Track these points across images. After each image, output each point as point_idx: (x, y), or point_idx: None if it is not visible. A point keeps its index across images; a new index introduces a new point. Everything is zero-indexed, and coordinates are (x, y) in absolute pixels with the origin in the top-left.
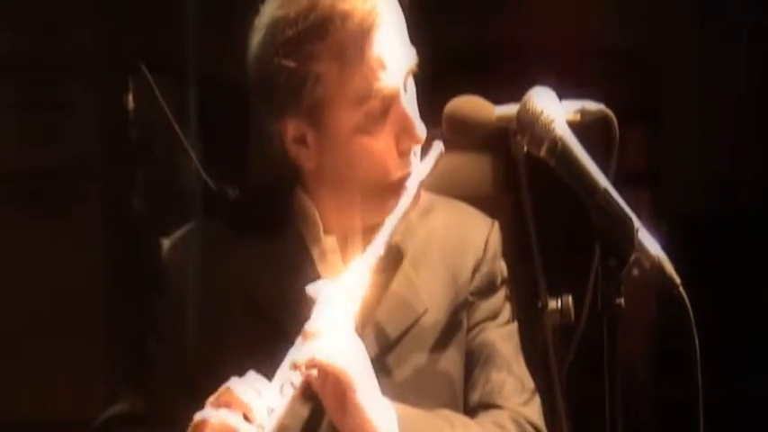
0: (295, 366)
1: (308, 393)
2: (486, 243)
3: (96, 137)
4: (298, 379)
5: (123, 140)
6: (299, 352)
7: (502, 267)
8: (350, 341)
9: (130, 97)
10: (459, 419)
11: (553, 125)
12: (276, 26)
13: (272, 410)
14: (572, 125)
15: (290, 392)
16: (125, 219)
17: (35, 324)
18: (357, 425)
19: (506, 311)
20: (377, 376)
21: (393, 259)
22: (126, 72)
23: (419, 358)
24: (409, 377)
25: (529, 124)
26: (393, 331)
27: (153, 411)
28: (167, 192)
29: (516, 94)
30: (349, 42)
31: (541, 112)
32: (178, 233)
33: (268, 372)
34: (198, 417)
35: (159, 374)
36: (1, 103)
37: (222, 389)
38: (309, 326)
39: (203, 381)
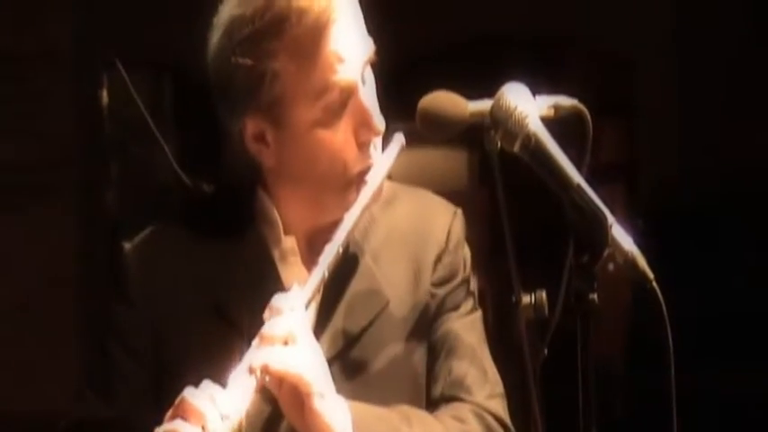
0: (250, 371)
1: (269, 395)
2: (449, 233)
3: (71, 132)
4: (253, 384)
5: (97, 136)
6: (255, 357)
7: (465, 256)
8: (306, 346)
9: (105, 93)
10: (418, 415)
11: (527, 121)
12: (233, 25)
13: (227, 417)
14: (545, 121)
15: (246, 398)
16: (98, 214)
17: (4, 317)
18: (315, 429)
19: (470, 301)
20: (340, 372)
21: (352, 256)
22: (100, 67)
23: (382, 351)
24: (373, 372)
25: (502, 120)
26: (356, 325)
27: (116, 417)
28: (141, 187)
29: (490, 89)
30: (305, 39)
31: (515, 108)
32: (139, 237)
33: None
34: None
35: (123, 380)
36: None
37: (177, 400)
38: (266, 330)
39: (167, 385)
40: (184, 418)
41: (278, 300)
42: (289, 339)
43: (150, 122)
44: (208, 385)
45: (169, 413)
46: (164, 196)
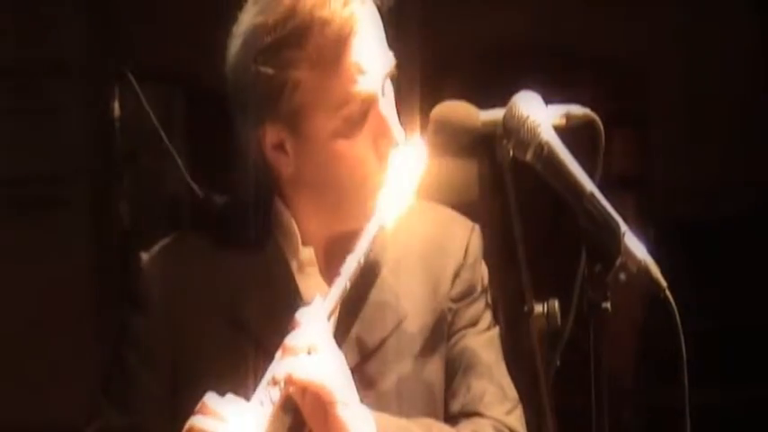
0: (274, 382)
1: (290, 405)
2: (467, 249)
3: (83, 144)
4: (276, 395)
5: (110, 148)
6: (278, 368)
7: (483, 272)
8: (329, 355)
9: (117, 105)
10: (439, 428)
11: (539, 130)
12: (254, 33)
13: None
14: (558, 129)
15: (269, 408)
16: (111, 226)
17: (21, 330)
18: None
19: (487, 317)
20: (357, 384)
21: (371, 268)
22: (112, 80)
23: (400, 365)
24: (390, 384)
25: (514, 129)
26: (373, 339)
27: (134, 428)
28: (154, 199)
29: (502, 98)
30: (327, 49)
31: (527, 117)
32: (157, 247)
33: (247, 386)
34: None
35: (139, 390)
36: None
37: (200, 404)
38: (288, 341)
39: (184, 396)
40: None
41: (301, 314)
42: (311, 349)
43: (162, 134)
44: (231, 398)
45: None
46: (176, 207)
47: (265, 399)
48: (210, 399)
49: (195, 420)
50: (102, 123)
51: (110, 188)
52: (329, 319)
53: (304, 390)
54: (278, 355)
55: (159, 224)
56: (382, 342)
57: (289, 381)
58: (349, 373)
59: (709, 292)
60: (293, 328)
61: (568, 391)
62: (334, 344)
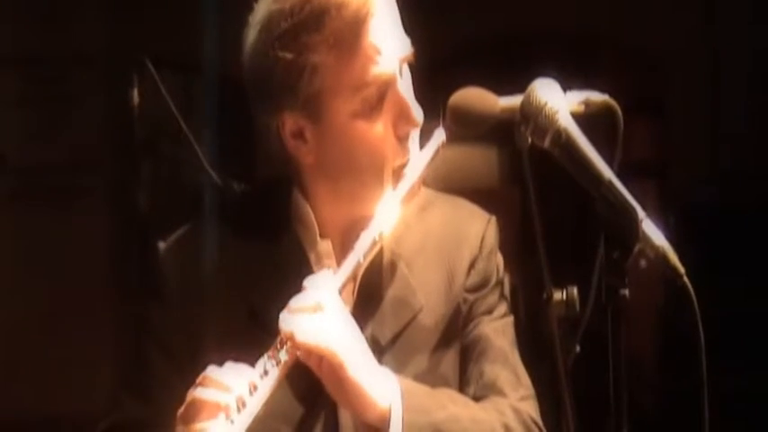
0: (280, 343)
1: (306, 388)
2: (483, 240)
3: (102, 132)
4: (284, 356)
5: (129, 135)
6: (282, 324)
7: (498, 263)
8: (334, 317)
9: (136, 92)
10: (462, 398)
11: (557, 116)
12: (271, 20)
13: (255, 388)
14: (576, 116)
15: (274, 370)
16: (131, 213)
17: (41, 318)
18: (354, 398)
19: (502, 306)
20: None
21: (388, 262)
22: (131, 67)
23: (415, 357)
24: (407, 375)
25: (533, 115)
26: (389, 331)
27: (152, 417)
28: (173, 186)
29: (520, 85)
30: (345, 32)
31: (545, 104)
32: (174, 236)
33: None
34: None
35: (158, 380)
36: (8, 98)
37: (199, 378)
38: (293, 302)
39: None
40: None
41: (308, 280)
42: (316, 309)
43: (181, 122)
44: (231, 365)
45: (191, 389)
46: (195, 195)
47: (270, 362)
48: (211, 371)
49: (197, 392)
50: (121, 111)
51: (129, 176)
52: (340, 293)
53: (309, 352)
54: (282, 315)
55: (178, 212)
56: (398, 335)
57: (292, 342)
58: (360, 334)
59: (728, 278)
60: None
61: (587, 377)
62: (342, 306)
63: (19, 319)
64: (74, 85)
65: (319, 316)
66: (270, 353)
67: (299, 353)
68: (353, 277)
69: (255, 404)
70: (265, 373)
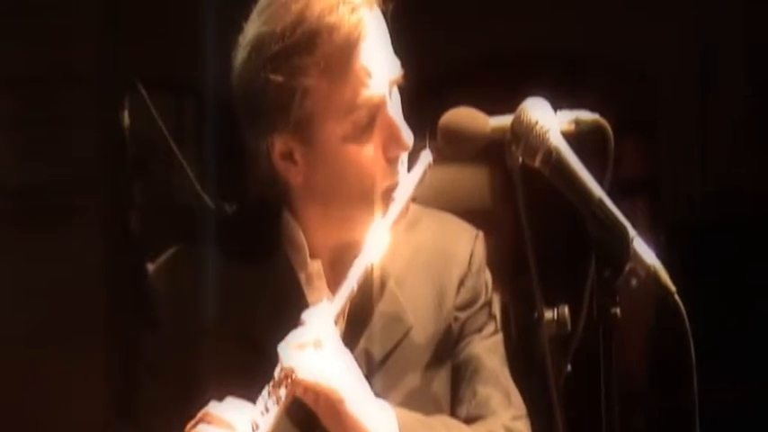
0: (279, 382)
1: (298, 413)
2: (471, 256)
3: (93, 153)
4: (282, 394)
5: (120, 157)
6: (283, 363)
7: (487, 279)
8: (333, 353)
9: (127, 114)
10: (457, 425)
11: (548, 135)
12: (262, 42)
13: (257, 426)
14: (567, 135)
15: (274, 408)
16: (121, 235)
17: (33, 340)
18: None
19: (492, 324)
20: None
21: (377, 280)
22: (122, 89)
23: (406, 376)
24: (397, 394)
25: (523, 135)
26: (379, 351)
27: None
28: (164, 208)
29: (511, 105)
30: (336, 55)
31: (536, 123)
32: (163, 258)
33: (256, 399)
34: None
35: (149, 403)
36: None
37: (200, 413)
38: (291, 338)
39: (194, 410)
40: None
41: (307, 313)
42: (316, 345)
43: (172, 144)
44: (234, 401)
45: (191, 425)
46: (186, 217)
47: (270, 400)
48: (213, 407)
49: (199, 429)
50: (112, 133)
51: (120, 198)
52: (336, 323)
53: (310, 390)
54: (282, 350)
55: (169, 233)
56: (388, 354)
57: (294, 380)
58: (358, 369)
59: (719, 296)
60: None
61: (579, 396)
62: (339, 341)
63: (8, 340)
64: (65, 106)
65: (320, 353)
66: (270, 389)
67: (299, 391)
68: (347, 304)
69: None
70: (266, 410)
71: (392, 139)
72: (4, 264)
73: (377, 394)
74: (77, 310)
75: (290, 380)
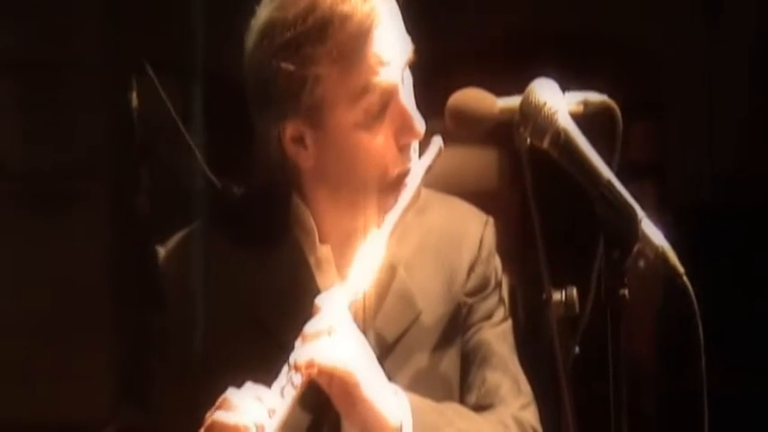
0: (295, 368)
1: (310, 399)
2: (481, 242)
3: (100, 136)
4: (298, 380)
5: (128, 140)
6: (299, 353)
7: (496, 265)
8: (349, 338)
9: (135, 96)
10: (467, 413)
11: (556, 117)
12: (274, 28)
13: (274, 412)
14: (575, 116)
15: (291, 393)
16: (130, 218)
17: (38, 324)
18: (366, 418)
19: (501, 310)
20: None
21: (387, 265)
22: (130, 71)
23: (416, 361)
24: (407, 380)
25: (531, 116)
26: (389, 336)
27: (155, 424)
28: (172, 191)
29: (519, 86)
30: (349, 44)
31: (544, 104)
32: (173, 241)
33: (267, 382)
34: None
35: (160, 387)
36: (5, 103)
37: (219, 400)
38: (308, 328)
39: (204, 393)
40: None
41: (320, 299)
42: (331, 331)
43: (181, 126)
44: (251, 386)
45: (210, 411)
46: (194, 199)
47: (287, 384)
48: (231, 393)
49: (216, 416)
50: (120, 115)
51: (128, 180)
52: (350, 309)
53: (329, 374)
54: (298, 342)
55: (177, 216)
56: (400, 337)
57: (309, 364)
58: (372, 353)
59: (728, 278)
60: (314, 314)
61: (587, 378)
62: (354, 326)
63: (17, 324)
64: (72, 89)
65: (335, 338)
66: (286, 375)
67: (315, 373)
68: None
69: (274, 427)
70: (282, 395)
71: (404, 127)
72: (11, 248)
73: (388, 376)
74: (84, 295)
75: (305, 364)
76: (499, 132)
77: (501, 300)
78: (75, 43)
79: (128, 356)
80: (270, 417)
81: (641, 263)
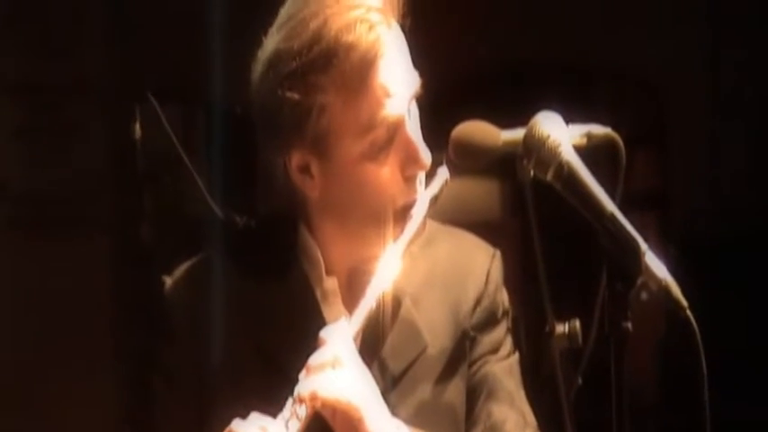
0: (299, 400)
1: (314, 431)
2: (488, 275)
3: (104, 164)
4: (303, 412)
5: (131, 168)
6: (303, 386)
7: (503, 299)
8: (353, 371)
9: (138, 125)
10: None
11: (559, 149)
12: (279, 58)
13: None
14: (579, 149)
15: (295, 425)
16: (132, 246)
17: (39, 349)
18: None
19: (507, 344)
20: None
21: (394, 299)
22: (133, 100)
23: (421, 394)
24: (412, 411)
25: (535, 149)
26: (395, 368)
27: None
28: (175, 220)
29: (523, 118)
30: (354, 74)
31: (548, 137)
32: (180, 271)
33: (272, 413)
34: None
35: (165, 416)
36: (9, 127)
37: (225, 431)
38: (312, 360)
39: (209, 423)
40: None
41: (325, 331)
42: (336, 364)
43: (183, 155)
44: (257, 416)
45: None
46: (197, 228)
47: (291, 416)
48: (236, 424)
49: None
50: (123, 144)
51: (130, 209)
52: (355, 340)
53: (331, 407)
54: (302, 375)
55: (180, 245)
56: (405, 370)
57: (314, 397)
58: (376, 386)
59: (731, 310)
60: (318, 346)
61: (590, 410)
62: (359, 359)
63: (17, 351)
64: (75, 114)
65: (340, 371)
66: (291, 406)
67: (319, 405)
68: (365, 323)
69: None
70: (287, 427)
71: (410, 159)
72: (12, 273)
73: (390, 408)
74: (85, 321)
75: (309, 397)
76: (502, 164)
77: (508, 332)
78: (79, 69)
79: (127, 382)
80: None
81: (644, 295)
